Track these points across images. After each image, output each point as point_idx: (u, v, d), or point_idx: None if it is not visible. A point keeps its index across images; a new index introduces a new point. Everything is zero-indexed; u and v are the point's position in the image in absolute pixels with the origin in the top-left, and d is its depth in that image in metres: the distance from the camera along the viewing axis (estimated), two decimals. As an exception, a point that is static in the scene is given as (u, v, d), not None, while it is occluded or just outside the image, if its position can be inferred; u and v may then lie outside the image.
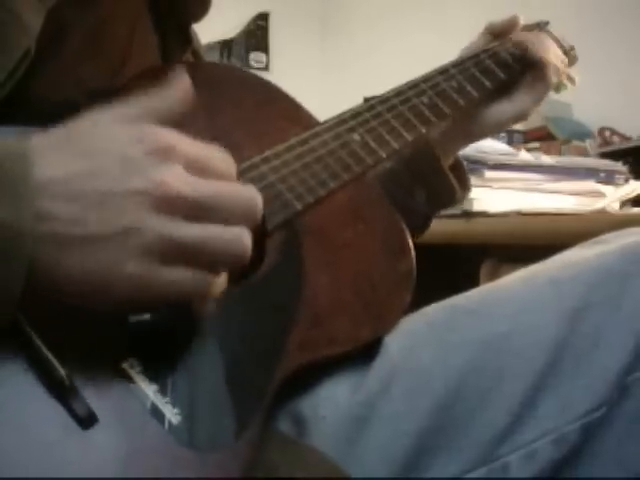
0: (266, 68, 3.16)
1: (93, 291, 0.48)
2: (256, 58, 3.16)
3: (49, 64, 0.61)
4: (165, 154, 0.49)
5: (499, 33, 0.90)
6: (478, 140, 0.93)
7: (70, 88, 0.63)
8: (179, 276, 0.49)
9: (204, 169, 0.50)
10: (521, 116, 0.90)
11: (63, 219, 0.46)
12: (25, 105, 0.60)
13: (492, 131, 0.92)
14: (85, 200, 0.47)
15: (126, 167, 0.48)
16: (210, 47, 2.98)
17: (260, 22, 3.18)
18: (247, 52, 3.16)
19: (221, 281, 0.52)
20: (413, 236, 0.72)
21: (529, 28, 0.95)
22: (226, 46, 3.10)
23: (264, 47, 3.19)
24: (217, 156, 0.52)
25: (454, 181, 0.88)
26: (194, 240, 0.49)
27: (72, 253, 0.47)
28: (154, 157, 0.48)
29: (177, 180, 0.48)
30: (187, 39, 0.79)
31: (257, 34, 3.17)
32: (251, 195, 0.51)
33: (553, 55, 0.89)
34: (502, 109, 0.88)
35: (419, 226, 0.74)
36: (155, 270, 0.48)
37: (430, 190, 0.88)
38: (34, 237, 0.45)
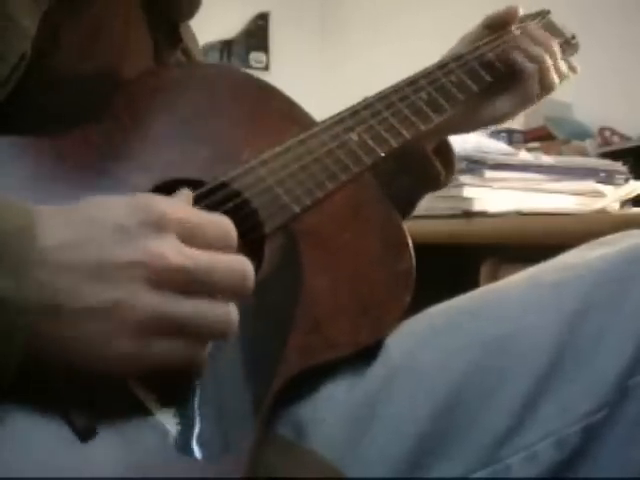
0: (266, 68, 3.15)
1: (88, 363, 0.48)
2: (256, 58, 3.16)
3: (46, 66, 0.61)
4: (159, 224, 0.48)
5: (497, 25, 0.89)
6: (467, 132, 0.93)
7: (68, 88, 0.63)
8: (170, 349, 0.49)
9: (198, 238, 0.50)
10: (507, 116, 0.89)
11: (58, 290, 0.46)
12: (23, 107, 0.60)
13: (483, 126, 0.92)
14: (79, 271, 0.46)
15: (120, 237, 0.48)
16: (210, 47, 2.98)
17: (260, 22, 3.17)
18: (247, 52, 3.15)
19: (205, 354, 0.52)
20: None
21: (530, 17, 0.94)
22: (226, 46, 3.09)
23: (264, 47, 3.18)
24: (213, 223, 0.51)
25: (438, 165, 0.87)
26: (186, 316, 0.49)
27: (67, 326, 0.46)
28: (148, 227, 0.48)
29: (171, 252, 0.48)
30: (177, 38, 0.78)
31: (257, 34, 3.17)
32: (243, 269, 0.51)
33: (534, 54, 0.86)
34: (497, 106, 0.87)
35: (402, 212, 0.74)
36: (147, 346, 0.48)
37: (414, 175, 0.87)
38: (34, 311, 0.45)
